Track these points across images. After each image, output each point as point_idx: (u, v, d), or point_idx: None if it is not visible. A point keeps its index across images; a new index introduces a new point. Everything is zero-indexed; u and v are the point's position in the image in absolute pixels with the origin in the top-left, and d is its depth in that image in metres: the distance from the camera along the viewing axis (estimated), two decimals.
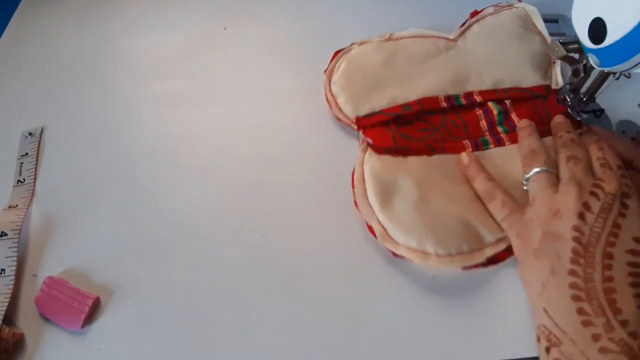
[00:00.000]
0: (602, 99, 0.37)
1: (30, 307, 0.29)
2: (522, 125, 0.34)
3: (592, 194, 0.26)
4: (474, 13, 0.43)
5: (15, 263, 0.30)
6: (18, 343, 0.28)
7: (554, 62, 0.40)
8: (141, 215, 0.34)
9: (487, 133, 0.36)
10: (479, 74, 0.38)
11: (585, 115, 0.35)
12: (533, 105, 0.37)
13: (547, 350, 0.24)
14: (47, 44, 0.46)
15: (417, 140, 0.36)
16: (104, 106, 0.41)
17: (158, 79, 0.42)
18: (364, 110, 0.37)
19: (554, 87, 0.38)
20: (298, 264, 0.31)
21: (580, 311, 0.24)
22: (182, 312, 0.29)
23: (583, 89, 0.35)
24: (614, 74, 0.31)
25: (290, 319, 0.29)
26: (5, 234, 0.31)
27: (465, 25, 0.42)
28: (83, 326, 0.29)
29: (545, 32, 0.41)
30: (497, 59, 0.39)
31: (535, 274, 0.26)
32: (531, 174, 0.30)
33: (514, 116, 0.36)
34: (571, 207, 0.26)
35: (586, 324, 0.23)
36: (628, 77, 0.31)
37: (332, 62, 0.40)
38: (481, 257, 0.29)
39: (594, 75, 0.34)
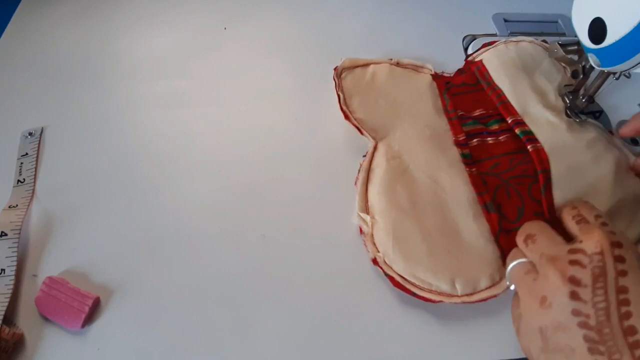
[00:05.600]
0: (602, 99, 0.37)
1: (30, 307, 0.29)
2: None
3: (574, 262, 0.22)
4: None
5: (15, 263, 0.30)
6: (18, 343, 0.28)
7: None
8: (141, 215, 0.34)
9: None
10: None
11: (584, 117, 0.35)
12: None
13: None
14: (47, 44, 0.46)
15: None
16: (104, 106, 0.41)
17: (158, 78, 0.42)
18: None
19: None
20: (298, 263, 0.31)
21: None
22: (182, 312, 0.29)
23: (582, 90, 0.35)
24: (614, 74, 0.31)
25: (290, 318, 0.29)
26: (5, 234, 0.31)
27: None
28: (83, 326, 0.28)
29: None
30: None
31: None
32: (507, 270, 0.26)
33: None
34: (557, 288, 0.22)
35: None
36: (628, 77, 0.31)
37: None
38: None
39: (593, 75, 0.34)
